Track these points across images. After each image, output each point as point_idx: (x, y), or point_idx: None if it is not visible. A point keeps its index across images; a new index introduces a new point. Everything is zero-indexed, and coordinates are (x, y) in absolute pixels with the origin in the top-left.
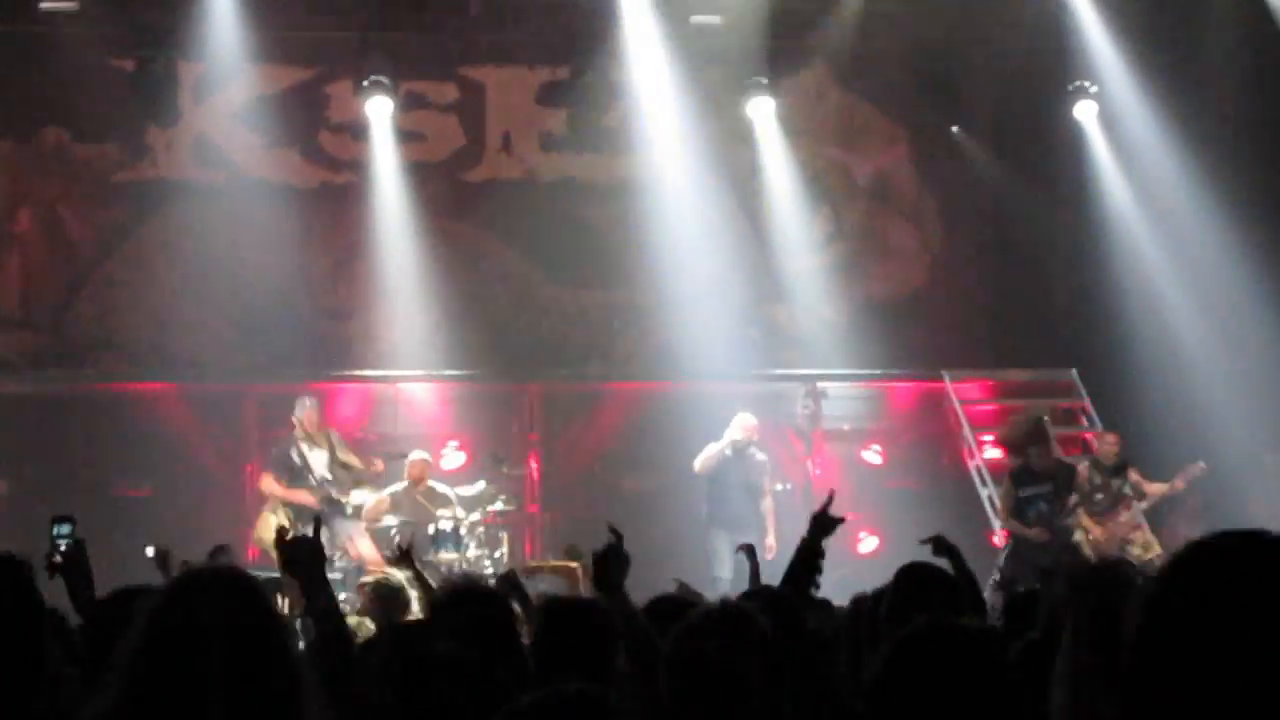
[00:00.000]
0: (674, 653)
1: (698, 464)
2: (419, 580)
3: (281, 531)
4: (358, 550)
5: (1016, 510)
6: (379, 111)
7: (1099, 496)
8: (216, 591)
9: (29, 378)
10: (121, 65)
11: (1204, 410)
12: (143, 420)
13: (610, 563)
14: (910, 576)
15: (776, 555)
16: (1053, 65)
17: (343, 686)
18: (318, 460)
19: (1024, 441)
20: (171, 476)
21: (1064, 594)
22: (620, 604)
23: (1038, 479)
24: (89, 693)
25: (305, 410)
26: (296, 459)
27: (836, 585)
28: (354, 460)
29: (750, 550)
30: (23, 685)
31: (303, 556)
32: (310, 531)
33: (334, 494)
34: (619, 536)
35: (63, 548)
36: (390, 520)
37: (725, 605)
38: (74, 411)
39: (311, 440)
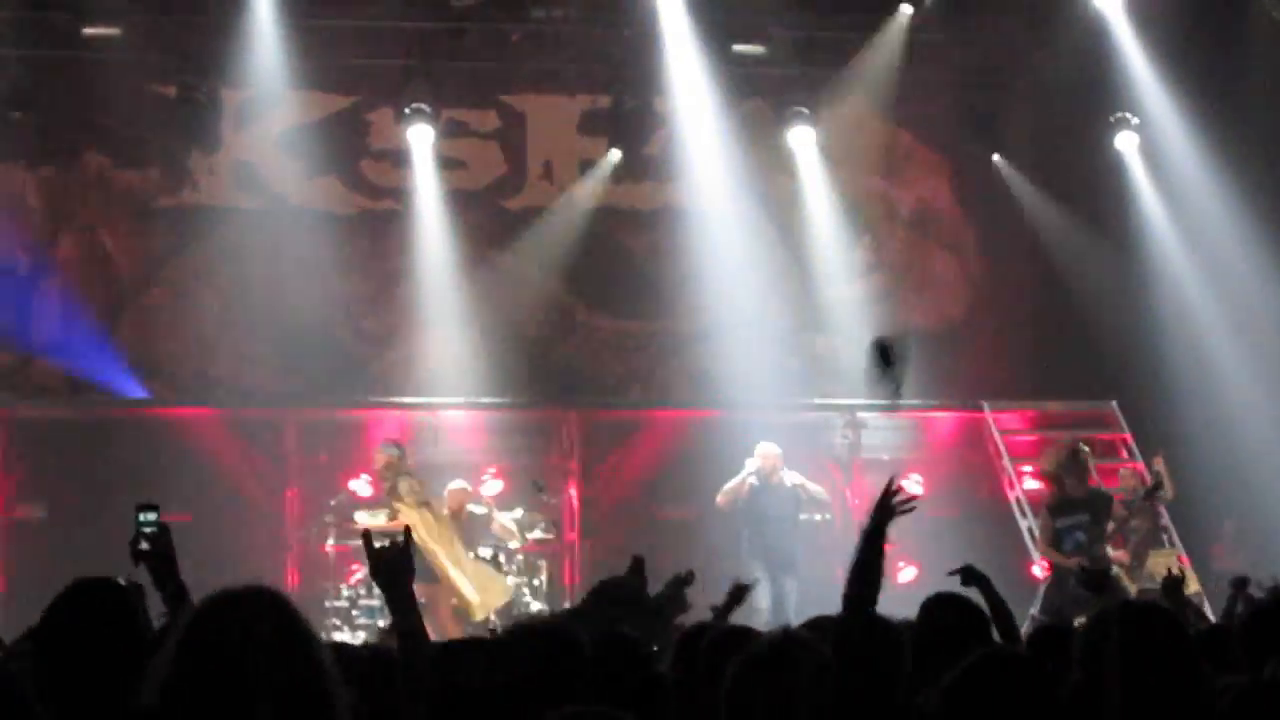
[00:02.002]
0: (734, 684)
1: (719, 498)
2: None
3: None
4: None
5: (1054, 541)
6: (420, 139)
7: (1134, 523)
8: (250, 606)
9: (68, 403)
10: (164, 91)
11: (1245, 442)
12: (182, 446)
13: (386, 561)
14: (936, 609)
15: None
16: (1094, 96)
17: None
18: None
19: (1059, 471)
20: (211, 502)
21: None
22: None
23: (1074, 509)
24: None
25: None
26: None
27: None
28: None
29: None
30: (120, 705)
31: (387, 568)
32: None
33: None
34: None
35: (148, 533)
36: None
37: (787, 635)
38: (113, 437)
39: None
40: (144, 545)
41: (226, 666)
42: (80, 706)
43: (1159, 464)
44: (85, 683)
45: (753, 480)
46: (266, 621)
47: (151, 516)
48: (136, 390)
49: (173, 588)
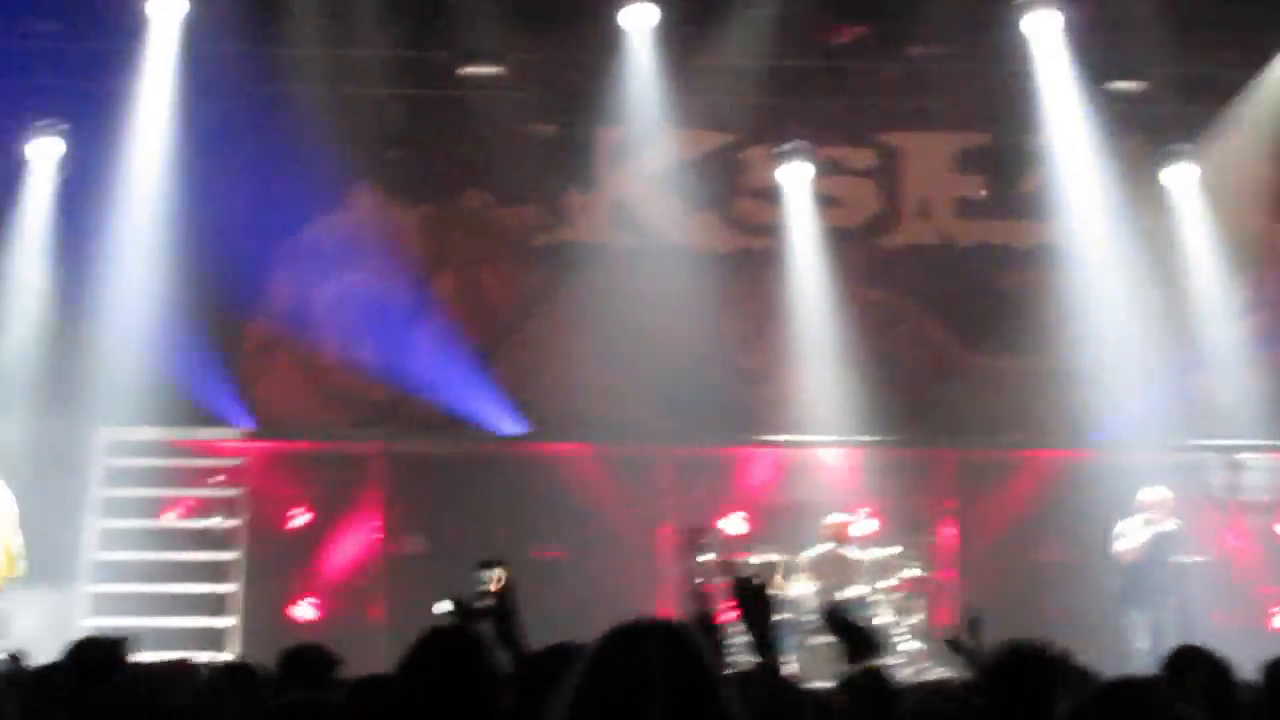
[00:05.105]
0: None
1: (1125, 554)
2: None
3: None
4: None
5: None
6: (796, 176)
7: None
8: (657, 639)
9: (446, 438)
10: (541, 130)
11: None
12: (557, 481)
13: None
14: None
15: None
16: None
17: None
18: None
19: None
20: (585, 539)
21: None
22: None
23: None
24: None
25: None
26: None
27: (1253, 664)
28: None
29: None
30: None
31: (754, 607)
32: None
33: None
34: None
35: (486, 590)
36: (809, 586)
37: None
38: (490, 472)
39: None
40: (479, 604)
41: (629, 701)
42: None
43: None
44: None
45: (1153, 530)
46: (669, 655)
47: (488, 575)
48: (512, 426)
49: (516, 647)
